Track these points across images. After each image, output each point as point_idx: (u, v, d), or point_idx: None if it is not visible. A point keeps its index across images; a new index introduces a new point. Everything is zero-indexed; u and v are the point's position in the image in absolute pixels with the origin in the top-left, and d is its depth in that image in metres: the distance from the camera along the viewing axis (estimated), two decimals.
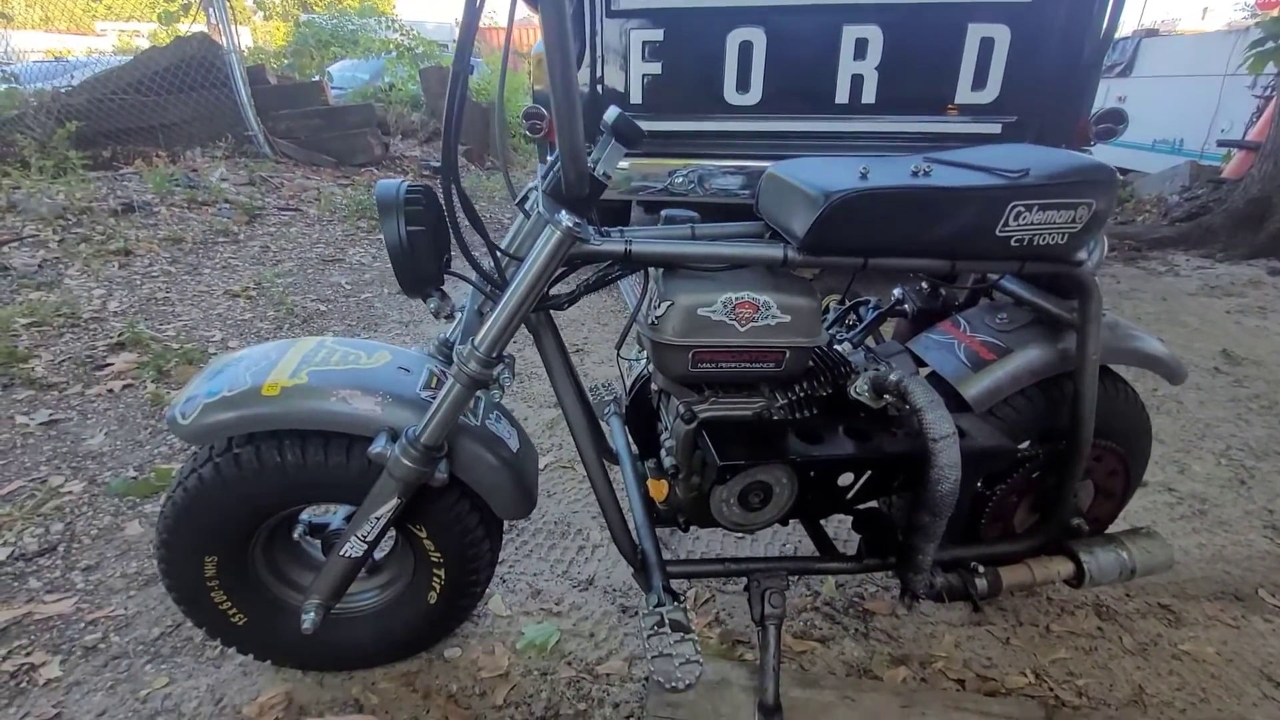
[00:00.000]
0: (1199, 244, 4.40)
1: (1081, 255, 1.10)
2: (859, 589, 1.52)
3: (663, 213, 1.24)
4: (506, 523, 1.62)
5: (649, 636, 1.01)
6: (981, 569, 1.23)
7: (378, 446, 1.00)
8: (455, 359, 0.97)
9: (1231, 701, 1.25)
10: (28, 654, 1.32)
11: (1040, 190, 1.00)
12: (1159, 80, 7.05)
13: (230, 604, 1.15)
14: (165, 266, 3.53)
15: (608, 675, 1.30)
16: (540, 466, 1.97)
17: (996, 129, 2.93)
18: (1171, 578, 1.57)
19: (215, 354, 2.64)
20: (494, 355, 0.97)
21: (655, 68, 3.05)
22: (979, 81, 2.90)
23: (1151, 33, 7.90)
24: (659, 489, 1.21)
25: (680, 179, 3.11)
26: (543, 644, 1.35)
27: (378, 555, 1.23)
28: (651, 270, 1.12)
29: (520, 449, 1.20)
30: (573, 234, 0.90)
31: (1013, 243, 1.03)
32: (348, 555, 1.07)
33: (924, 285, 1.46)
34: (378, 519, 1.03)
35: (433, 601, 1.22)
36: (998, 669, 1.31)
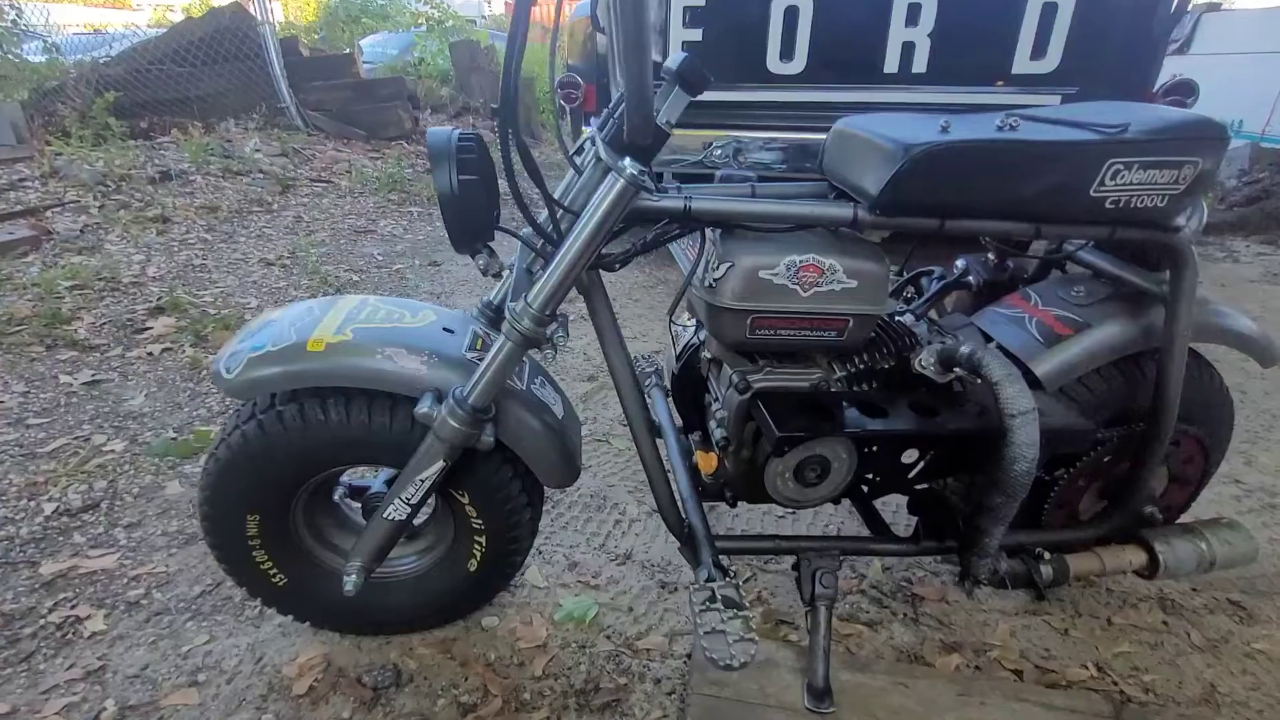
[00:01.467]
0: (1260, 230, 4.18)
1: (1180, 221, 1.02)
2: (906, 573, 1.46)
3: (719, 173, 1.18)
4: (546, 492, 1.59)
5: (701, 612, 0.97)
6: (1047, 555, 1.16)
7: (424, 406, 0.97)
8: (507, 316, 0.92)
9: None
10: (73, 606, 1.33)
11: (1143, 146, 0.92)
12: (1218, 58, 6.68)
13: (271, 564, 1.14)
14: (202, 234, 3.56)
15: (648, 650, 1.26)
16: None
17: (1056, 100, 2.78)
18: (1241, 574, 1.48)
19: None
20: (548, 312, 0.92)
21: (696, 34, 2.95)
22: (1039, 51, 2.75)
23: (1213, 7, 7.48)
24: (708, 462, 1.16)
25: (718, 151, 3.02)
26: (581, 616, 1.32)
27: (418, 520, 1.21)
28: (708, 231, 1.06)
29: (565, 416, 1.16)
30: (637, 183, 0.85)
31: (1107, 204, 0.95)
32: (390, 518, 1.04)
33: (990, 256, 1.38)
34: (422, 481, 1.00)
35: (472, 569, 1.19)
36: (1057, 660, 1.25)
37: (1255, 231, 4.19)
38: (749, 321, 1.02)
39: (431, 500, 1.15)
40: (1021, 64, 2.77)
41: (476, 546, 1.17)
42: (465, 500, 1.11)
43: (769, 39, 2.89)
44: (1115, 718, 1.09)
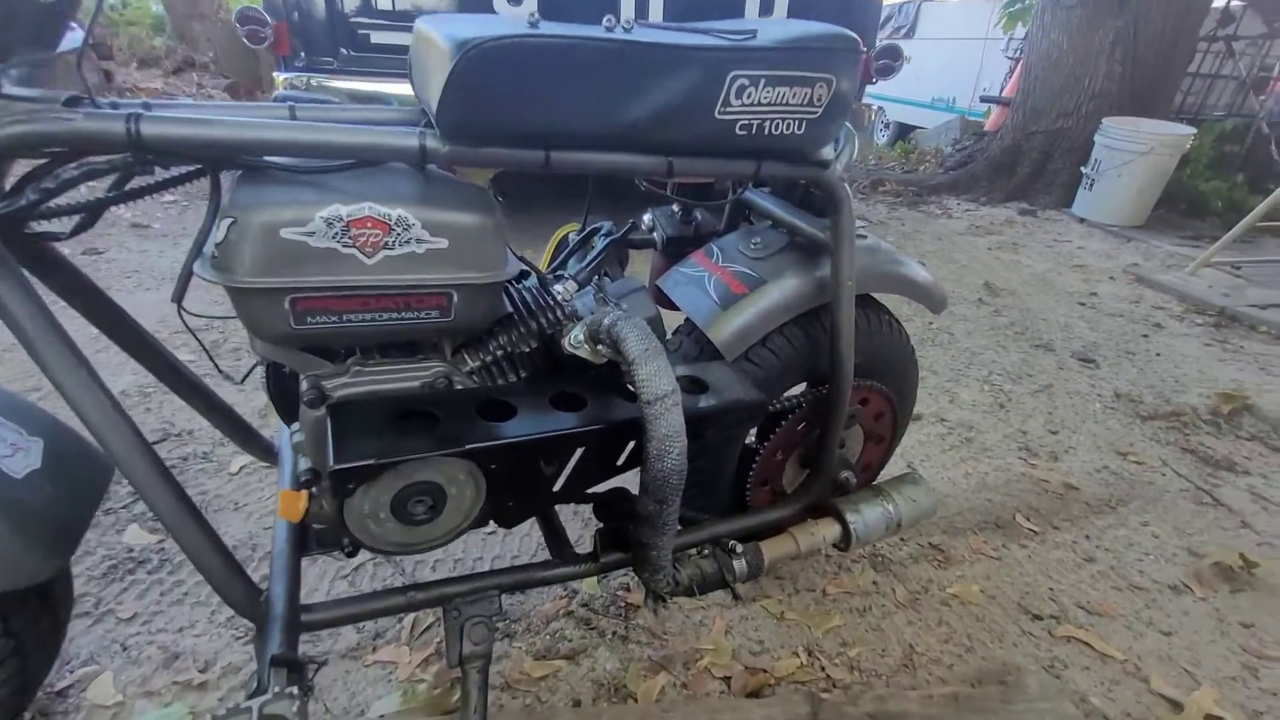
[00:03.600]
0: (966, 189, 4.81)
1: (827, 154, 0.88)
2: (625, 578, 1.27)
3: (278, 92, 0.83)
4: (83, 575, 1.15)
5: None
6: (740, 548, 1.01)
7: None
8: None
9: (994, 646, 1.18)
10: None
11: (769, 56, 0.74)
12: (935, 42, 7.67)
13: None
14: None
15: None
16: (234, 470, 1.48)
17: None
18: (941, 513, 1.52)
19: None
20: None
21: None
22: (765, 10, 2.74)
23: None
24: (292, 504, 0.82)
25: None
26: None
27: None
28: (227, 175, 0.71)
29: (40, 469, 0.75)
30: None
31: (738, 129, 0.77)
32: None
33: (675, 208, 1.20)
34: None
35: None
36: (769, 654, 1.14)
37: (964, 191, 4.81)
38: (288, 305, 0.69)
39: None
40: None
41: None
42: None
43: None
44: (813, 717, 0.98)
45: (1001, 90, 6.14)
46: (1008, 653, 1.17)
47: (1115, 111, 4.12)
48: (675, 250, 1.17)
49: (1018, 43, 6.27)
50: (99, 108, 0.62)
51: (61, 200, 0.64)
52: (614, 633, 1.16)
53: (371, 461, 0.69)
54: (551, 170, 0.75)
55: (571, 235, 1.21)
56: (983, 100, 6.34)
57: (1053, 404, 2.04)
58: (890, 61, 2.87)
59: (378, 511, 0.75)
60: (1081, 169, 4.12)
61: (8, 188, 0.64)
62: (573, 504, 0.99)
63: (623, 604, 1.21)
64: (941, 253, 3.48)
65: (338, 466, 0.67)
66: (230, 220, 0.65)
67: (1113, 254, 3.55)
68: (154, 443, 1.15)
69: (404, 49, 2.55)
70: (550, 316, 0.90)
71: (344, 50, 2.59)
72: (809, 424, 1.13)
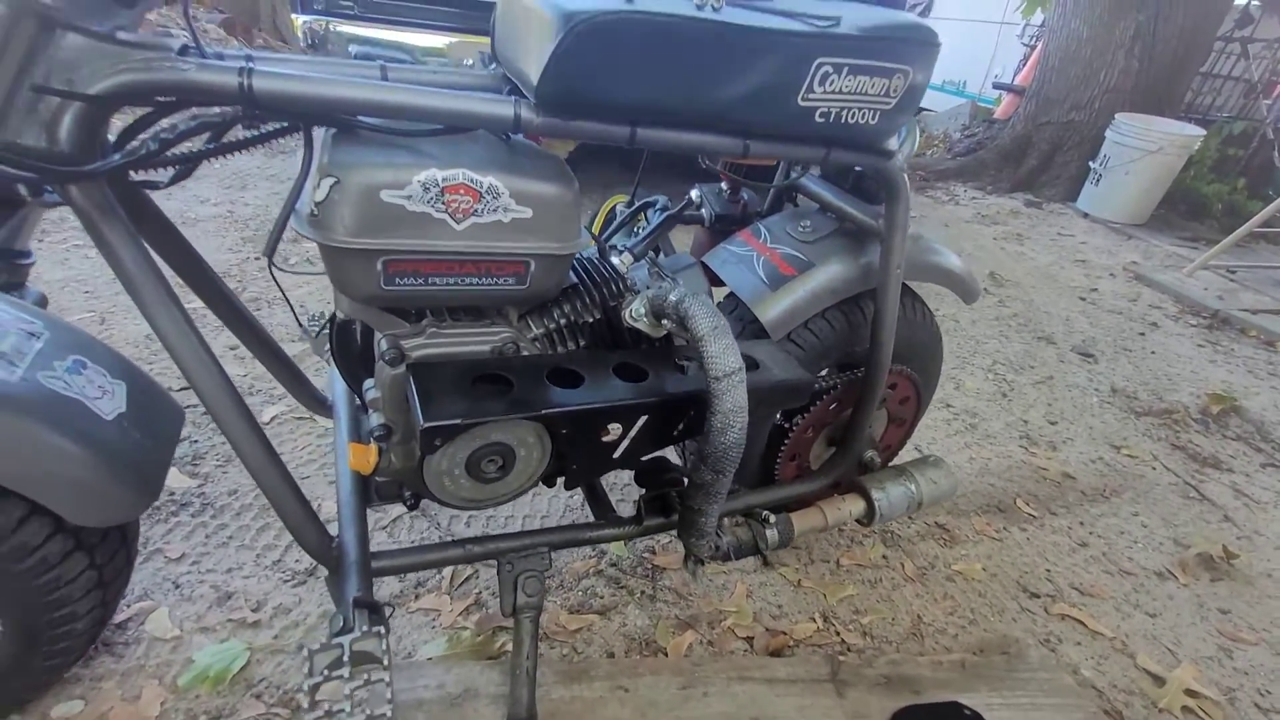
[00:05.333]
0: (974, 177, 4.82)
1: (892, 144, 0.90)
2: (651, 542, 1.33)
3: (352, 48, 0.83)
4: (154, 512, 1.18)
5: (314, 686, 0.69)
6: (773, 518, 1.07)
7: None
8: None
9: (995, 619, 1.26)
10: None
11: (855, 45, 0.76)
12: (949, 23, 7.58)
13: None
14: None
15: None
16: (266, 420, 1.50)
17: None
18: None
19: None
20: None
21: None
22: None
23: None
24: (362, 457, 0.85)
25: (473, 63, 2.57)
26: (219, 673, 0.97)
27: None
28: (320, 131, 0.72)
29: (125, 412, 0.77)
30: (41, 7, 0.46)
31: (817, 117, 0.79)
32: None
33: (724, 186, 1.22)
34: None
35: None
36: (787, 618, 1.21)
37: (971, 178, 4.83)
38: (381, 265, 0.71)
39: None
40: None
41: None
42: None
43: None
44: (833, 676, 1.05)
45: (1014, 77, 6.11)
46: (1008, 626, 1.25)
47: (1127, 107, 4.14)
48: (722, 227, 1.20)
49: (1034, 29, 6.22)
50: (207, 58, 0.63)
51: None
52: (642, 592, 1.22)
53: (459, 421, 0.72)
54: (635, 146, 0.77)
55: (620, 207, 1.22)
56: (995, 87, 6.31)
57: (1053, 395, 2.11)
58: None
59: (454, 469, 0.79)
60: (1090, 163, 4.15)
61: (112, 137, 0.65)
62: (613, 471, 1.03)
63: (649, 566, 1.27)
64: (949, 240, 3.52)
65: (428, 425, 0.70)
66: (333, 180, 0.67)
67: (1114, 251, 3.61)
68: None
69: None
70: (611, 288, 0.92)
71: None
72: (840, 404, 1.18)
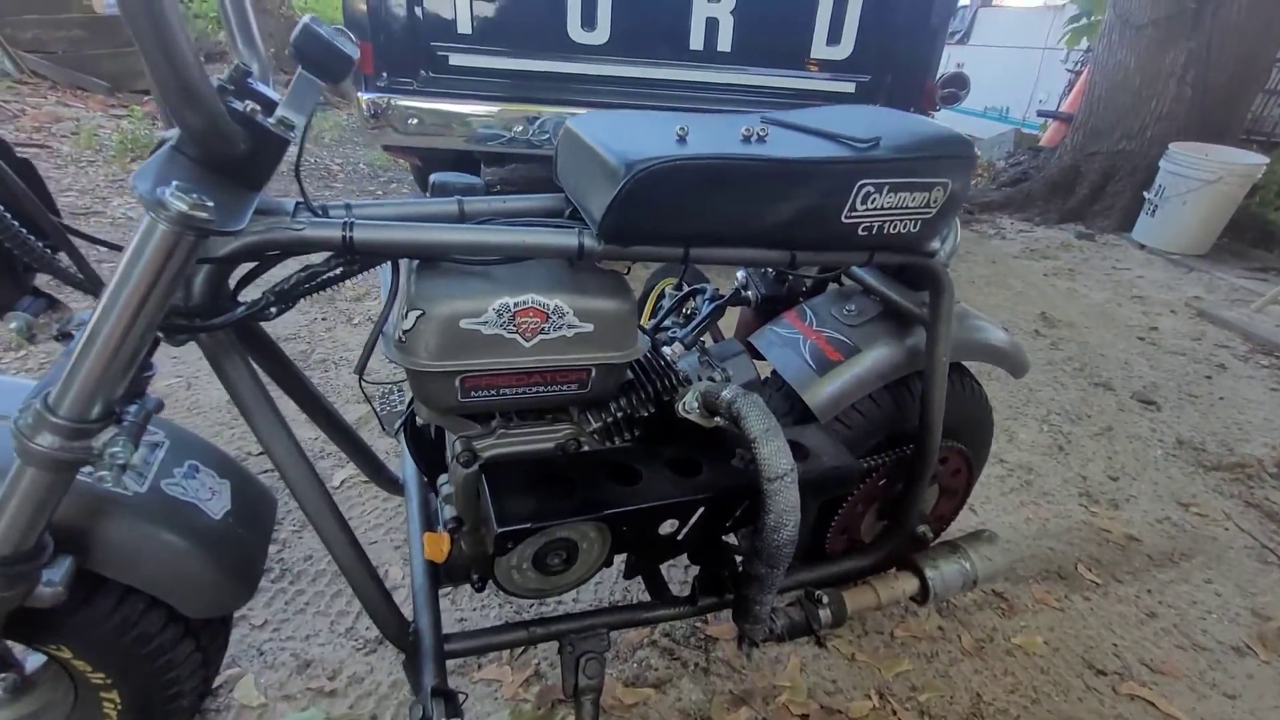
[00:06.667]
0: (1021, 208, 4.74)
1: (934, 245, 0.94)
2: None
3: (433, 178, 0.92)
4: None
5: None
6: (826, 598, 1.08)
7: None
8: (15, 424, 0.60)
9: (1060, 699, 1.23)
10: None
11: (893, 166, 0.80)
12: (991, 49, 7.52)
13: None
14: None
15: None
16: (336, 484, 1.60)
17: (850, 87, 2.83)
18: None
19: None
20: (93, 416, 0.61)
21: None
22: (834, 36, 2.76)
23: (987, 2, 8.40)
24: (436, 546, 0.92)
25: (539, 127, 2.71)
26: None
27: (27, 669, 0.86)
28: (404, 263, 0.81)
29: (231, 509, 0.86)
30: (190, 224, 0.55)
31: (860, 230, 0.84)
32: None
33: (769, 270, 1.26)
34: None
35: None
36: (843, 694, 1.21)
37: (1018, 210, 4.75)
38: (459, 383, 0.78)
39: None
40: (819, 49, 2.77)
41: (109, 704, 0.84)
42: (68, 655, 0.78)
43: (569, 5, 2.63)
44: None
45: (1059, 104, 6.01)
46: (1073, 707, 1.22)
47: (1182, 135, 4.02)
48: (768, 308, 1.24)
49: (1079, 54, 6.12)
50: (315, 214, 0.72)
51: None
52: (696, 664, 1.24)
53: (529, 525, 0.78)
54: (688, 263, 0.82)
55: (668, 290, 1.28)
56: (1040, 114, 6.21)
57: (1113, 448, 2.05)
58: (956, 90, 2.87)
59: (522, 564, 0.84)
60: (1144, 194, 4.03)
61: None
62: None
63: (702, 636, 1.30)
64: (996, 278, 3.47)
65: (502, 530, 0.76)
66: (419, 312, 0.74)
67: (1174, 285, 3.49)
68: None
69: (481, 71, 2.67)
70: (665, 383, 0.98)
71: (423, 72, 2.70)
72: (890, 480, 1.20)
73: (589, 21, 2.66)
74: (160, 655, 0.83)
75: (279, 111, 0.63)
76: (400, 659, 0.97)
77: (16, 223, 0.61)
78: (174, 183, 0.53)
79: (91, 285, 0.67)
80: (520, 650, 1.23)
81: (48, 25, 5.11)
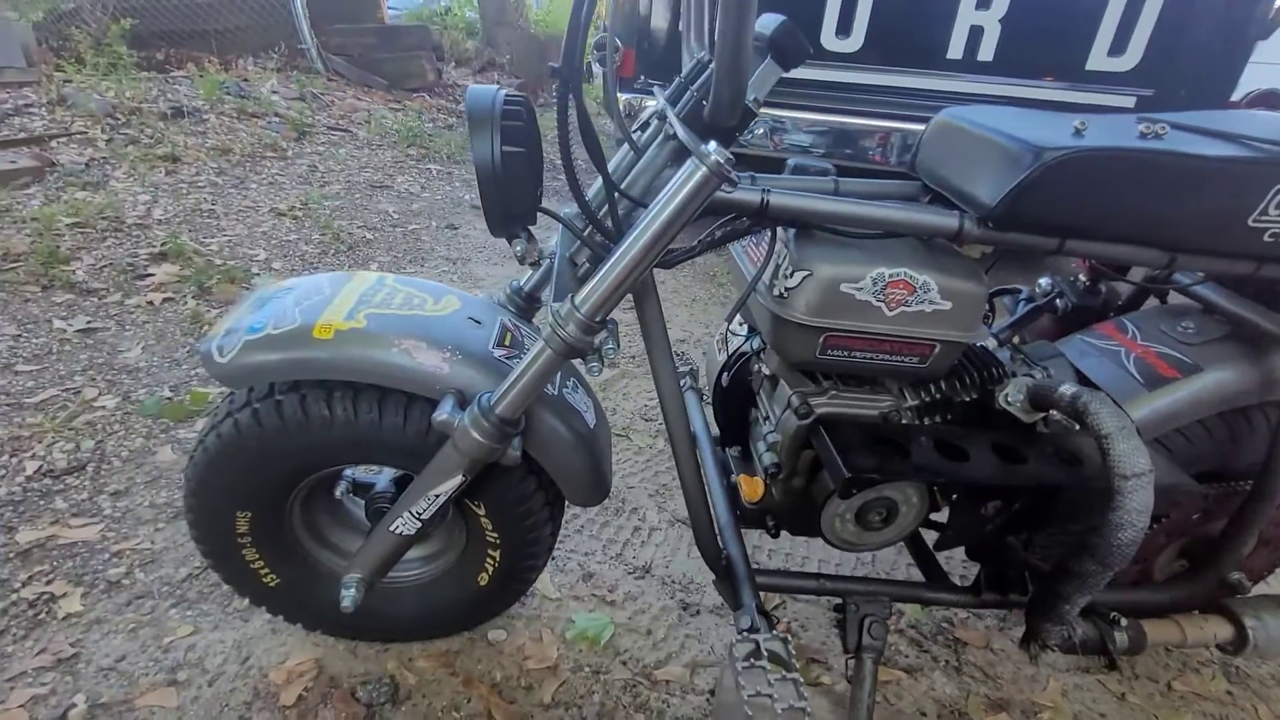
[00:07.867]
0: None
1: None
2: (947, 613, 1.34)
3: (790, 161, 1.03)
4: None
5: (744, 670, 0.85)
6: (1124, 621, 1.04)
7: (444, 413, 0.84)
8: (550, 319, 0.79)
9: None
10: (49, 581, 1.23)
11: None
12: None
13: (263, 563, 1.03)
14: (212, 177, 3.40)
15: (667, 682, 1.16)
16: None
17: (1130, 102, 2.59)
18: None
19: (258, 275, 2.52)
20: (598, 319, 0.78)
21: None
22: (1118, 47, 2.54)
23: None
24: (753, 488, 1.03)
25: (759, 130, 2.83)
26: (595, 636, 1.21)
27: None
28: (780, 231, 0.92)
29: (596, 424, 1.03)
30: (722, 172, 0.69)
31: (1266, 237, 0.80)
32: (398, 532, 0.92)
33: (1082, 277, 1.23)
34: (436, 496, 0.88)
35: (483, 583, 1.08)
36: None
37: None
38: (821, 339, 0.88)
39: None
40: (1098, 60, 2.56)
41: (489, 561, 1.06)
42: (481, 512, 1.00)
43: (826, 11, 2.69)
44: None
45: None
46: None
47: None
48: (1078, 318, 1.21)
49: None
50: (738, 185, 0.85)
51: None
52: (946, 661, 1.24)
53: (875, 475, 0.85)
54: (1060, 254, 0.85)
55: None
56: None
57: None
58: (1269, 110, 2.49)
59: (847, 514, 0.92)
60: None
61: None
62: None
63: (950, 636, 1.29)
64: None
65: (851, 476, 0.85)
66: (805, 273, 0.85)
67: None
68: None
69: None
70: (991, 372, 1.00)
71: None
72: (1204, 516, 1.11)
73: (844, 28, 2.70)
74: (536, 529, 1.03)
75: (750, 92, 0.76)
76: (710, 581, 1.09)
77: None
78: (712, 142, 0.68)
79: (604, 229, 0.84)
80: (774, 605, 1.32)
81: (349, 33, 6.20)
